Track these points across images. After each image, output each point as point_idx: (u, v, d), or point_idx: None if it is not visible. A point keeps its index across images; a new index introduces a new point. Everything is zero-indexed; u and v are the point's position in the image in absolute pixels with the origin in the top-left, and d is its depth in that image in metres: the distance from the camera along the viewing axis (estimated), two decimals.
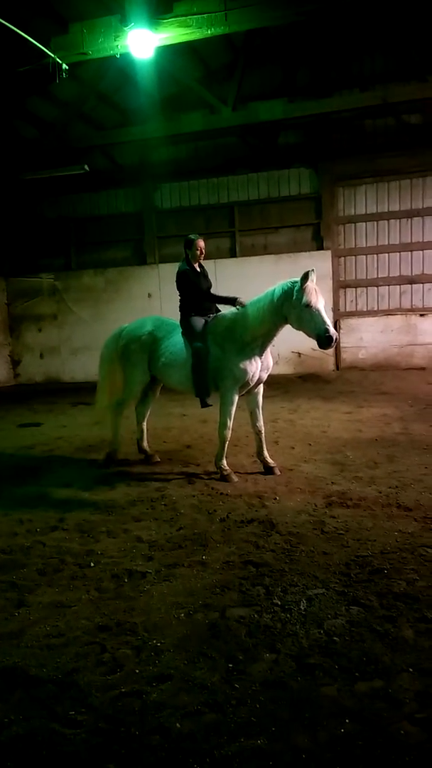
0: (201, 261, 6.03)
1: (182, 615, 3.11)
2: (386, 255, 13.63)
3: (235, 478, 5.59)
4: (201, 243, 5.93)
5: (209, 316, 5.91)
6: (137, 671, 2.64)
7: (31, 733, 2.27)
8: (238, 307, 5.69)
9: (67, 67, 8.79)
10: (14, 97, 11.82)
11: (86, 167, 12.30)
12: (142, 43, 8.38)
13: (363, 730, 2.23)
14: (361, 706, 2.36)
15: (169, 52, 10.13)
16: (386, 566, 3.57)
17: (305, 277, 5.10)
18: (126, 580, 3.57)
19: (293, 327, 5.31)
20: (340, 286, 13.91)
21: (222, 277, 13.71)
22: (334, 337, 5.05)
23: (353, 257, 13.87)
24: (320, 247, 13.92)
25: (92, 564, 3.84)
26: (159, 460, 6.38)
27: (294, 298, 5.15)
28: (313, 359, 13.68)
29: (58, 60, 8.65)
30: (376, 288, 13.82)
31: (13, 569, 3.80)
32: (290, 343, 13.78)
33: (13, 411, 10.83)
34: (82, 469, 6.28)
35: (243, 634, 2.91)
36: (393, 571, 3.52)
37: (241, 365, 5.49)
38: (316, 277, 5.23)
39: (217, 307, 6.04)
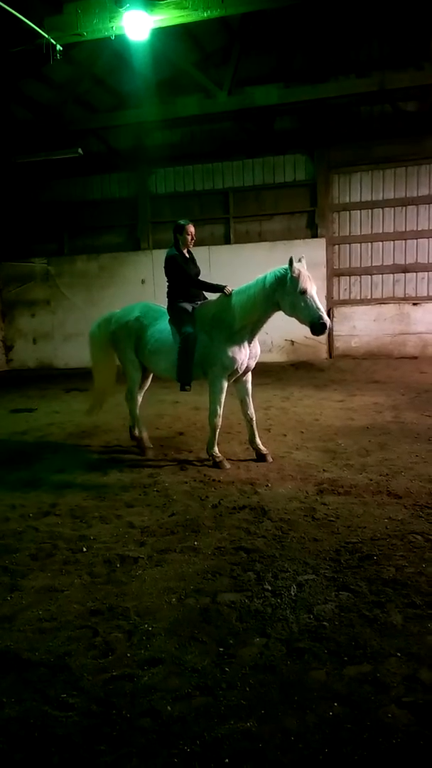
0: (190, 247, 6.00)
1: (174, 600, 3.14)
2: (380, 243, 13.61)
3: (227, 464, 5.62)
4: (191, 228, 5.91)
5: (196, 303, 5.89)
6: (129, 655, 2.67)
7: (24, 715, 2.30)
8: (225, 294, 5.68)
9: (61, 48, 8.66)
10: (8, 78, 11.65)
11: (80, 151, 12.17)
12: (137, 24, 8.27)
13: (351, 713, 2.27)
14: (350, 689, 2.40)
15: (164, 34, 10.00)
16: (376, 553, 3.61)
17: (291, 263, 5.12)
18: (118, 565, 3.60)
19: (286, 313, 5.31)
20: (334, 274, 13.89)
21: (216, 264, 13.65)
22: (328, 324, 5.07)
23: (347, 245, 13.84)
24: (315, 235, 13.87)
25: (84, 549, 3.86)
26: (151, 446, 6.39)
27: (288, 285, 5.15)
28: (306, 347, 13.70)
29: (52, 41, 8.52)
30: (369, 276, 13.81)
31: (6, 554, 3.82)
32: (283, 330, 13.77)
33: (5, 396, 10.80)
34: (75, 455, 6.28)
35: (234, 618, 2.94)
36: (382, 557, 3.56)
37: (230, 353, 5.50)
38: (308, 265, 5.23)
39: (204, 295, 6.01)
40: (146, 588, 3.29)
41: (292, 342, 13.79)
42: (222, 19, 10.03)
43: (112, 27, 8.42)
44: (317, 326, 5.06)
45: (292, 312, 5.23)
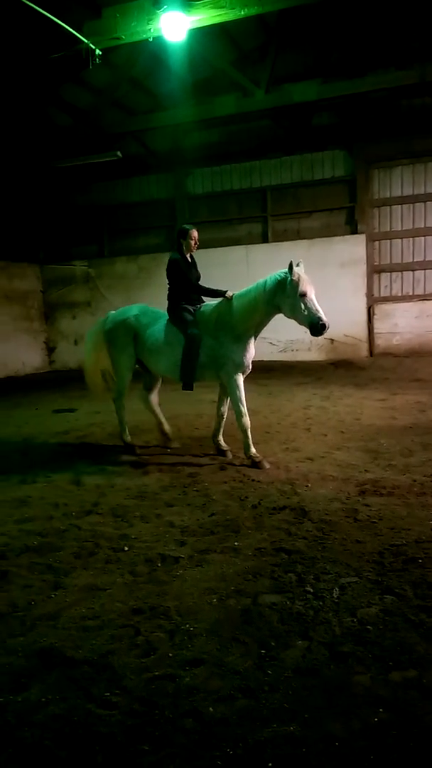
0: (193, 251, 6.12)
1: (215, 600, 3.13)
2: (422, 238, 13.34)
3: (267, 464, 5.59)
4: (195, 233, 6.04)
5: (196, 306, 6.03)
6: (170, 655, 2.67)
7: (68, 713, 2.32)
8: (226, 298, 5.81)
9: (100, 53, 8.80)
10: (48, 84, 11.88)
11: (119, 153, 12.32)
12: (174, 25, 8.32)
13: (397, 720, 2.21)
14: (395, 695, 2.35)
15: (201, 34, 10.04)
16: (421, 556, 3.53)
17: (291, 267, 5.26)
18: (159, 565, 3.61)
19: (286, 316, 5.49)
20: (374, 270, 13.67)
21: (254, 263, 13.65)
22: (327, 325, 5.23)
23: (388, 241, 13.61)
24: (354, 231, 13.69)
25: (126, 548, 3.89)
26: (177, 445, 6.47)
27: (288, 288, 5.30)
28: (346, 345, 13.53)
29: (91, 45, 8.66)
30: (411, 272, 13.54)
31: (50, 552, 3.88)
32: None
33: (48, 397, 11.02)
34: (116, 455, 6.35)
35: (275, 620, 2.91)
36: (428, 560, 3.47)
37: (239, 351, 5.68)
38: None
39: (201, 299, 6.13)
40: (187, 588, 3.29)
41: (332, 340, 13.64)
42: (259, 16, 10.00)
43: (149, 29, 8.51)
44: (317, 327, 5.23)
45: (292, 314, 5.38)
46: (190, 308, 5.95)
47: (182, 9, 8.17)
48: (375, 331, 13.51)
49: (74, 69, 10.94)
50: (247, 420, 5.75)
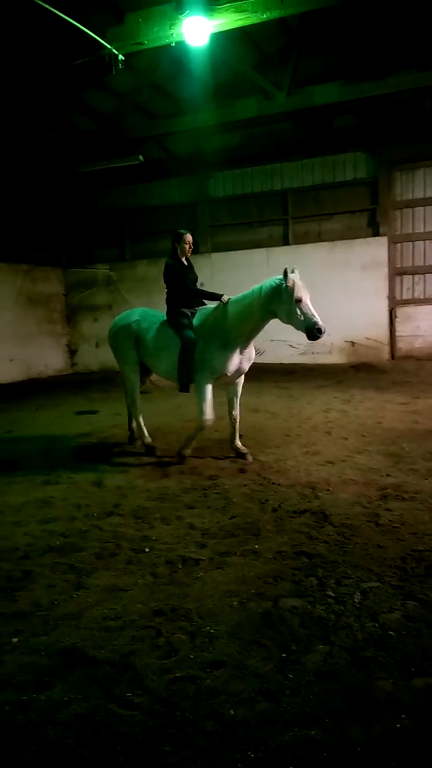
0: (188, 255, 6.26)
1: (235, 603, 3.14)
2: None
3: (183, 463, 5.86)
4: (189, 238, 6.20)
5: (194, 309, 6.12)
6: (191, 657, 2.68)
7: (91, 712, 2.35)
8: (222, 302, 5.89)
9: (123, 58, 8.88)
10: (71, 89, 12.02)
11: (141, 158, 12.41)
12: (197, 30, 8.37)
13: (420, 726, 2.20)
14: (418, 701, 2.33)
15: (222, 38, 10.08)
16: None
17: (286, 274, 5.32)
18: (180, 567, 3.63)
19: (282, 321, 5.52)
20: (396, 273, 13.55)
21: (274, 266, 13.56)
22: (324, 330, 5.26)
23: (410, 243, 13.49)
24: (376, 233, 13.59)
25: (147, 549, 3.91)
26: (155, 447, 6.50)
27: (283, 294, 5.34)
28: (367, 348, 13.44)
29: (114, 51, 8.74)
30: None
31: (72, 552, 3.92)
32: (343, 332, 13.59)
33: (70, 399, 11.12)
34: (137, 457, 6.39)
35: (296, 624, 2.91)
36: None
37: (222, 359, 5.73)
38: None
39: (202, 302, 6.20)
40: (207, 590, 3.30)
41: (353, 343, 13.56)
42: (280, 19, 10.00)
43: (172, 34, 8.56)
44: (313, 332, 5.29)
45: (288, 320, 5.43)
46: (187, 312, 6.07)
47: (205, 13, 8.21)
48: (397, 333, 13.39)
49: (97, 74, 11.04)
50: (203, 421, 5.88)
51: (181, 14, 8.26)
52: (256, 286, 5.64)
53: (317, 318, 5.29)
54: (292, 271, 5.37)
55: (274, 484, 5.19)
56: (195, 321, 6.00)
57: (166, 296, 6.22)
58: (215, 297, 5.95)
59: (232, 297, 5.85)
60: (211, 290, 6.17)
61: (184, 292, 6.09)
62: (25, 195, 15.04)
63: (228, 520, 4.38)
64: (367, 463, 5.68)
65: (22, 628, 2.99)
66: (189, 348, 5.81)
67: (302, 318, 5.30)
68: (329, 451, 6.04)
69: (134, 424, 6.73)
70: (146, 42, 8.83)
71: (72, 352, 16.59)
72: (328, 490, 4.94)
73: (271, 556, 3.70)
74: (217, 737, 2.19)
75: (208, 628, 2.91)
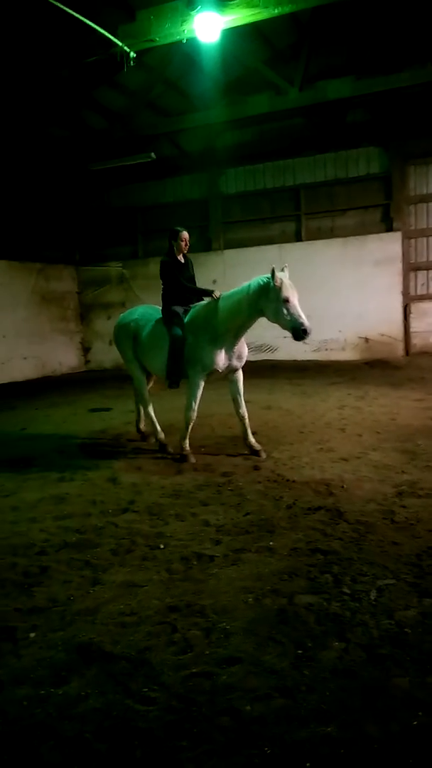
0: (185, 252, 6.29)
1: (250, 599, 3.14)
2: None
3: (192, 459, 5.87)
4: (185, 235, 6.24)
5: (189, 306, 6.16)
6: (207, 653, 2.69)
7: (107, 707, 2.36)
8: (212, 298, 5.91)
9: (134, 55, 8.88)
10: (83, 87, 12.04)
11: (153, 155, 12.42)
12: (208, 26, 8.35)
13: None
14: None
15: (233, 34, 10.04)
16: None
17: (273, 273, 5.30)
18: (195, 563, 3.64)
19: (269, 320, 5.53)
20: (410, 268, 13.45)
21: (287, 262, 13.54)
22: (309, 331, 5.22)
23: (425, 238, 13.39)
24: (389, 229, 13.50)
25: (162, 546, 3.92)
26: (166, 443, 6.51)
27: (271, 292, 5.33)
28: (382, 345, 13.35)
29: (125, 48, 8.75)
30: None
31: (88, 548, 3.95)
32: (357, 328, 13.52)
33: (84, 396, 11.18)
34: (151, 454, 6.41)
35: (312, 621, 2.91)
36: None
37: (211, 354, 5.75)
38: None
39: (200, 299, 6.22)
40: (222, 587, 3.30)
41: (367, 339, 13.49)
42: (292, 14, 9.93)
43: (183, 30, 8.56)
44: (299, 332, 5.28)
45: (275, 319, 5.43)
46: (180, 309, 6.11)
47: (216, 9, 8.19)
48: (411, 329, 13.30)
49: (109, 72, 11.07)
50: (193, 415, 5.97)
51: (192, 10, 8.25)
52: (246, 283, 5.65)
53: (304, 319, 5.27)
54: (282, 270, 5.37)
55: (288, 481, 5.18)
56: (188, 317, 6.05)
57: (161, 293, 6.28)
58: (207, 293, 6.00)
59: (224, 293, 5.88)
60: (223, 287, 6.20)
61: (178, 289, 6.14)
62: (37, 193, 15.11)
63: (242, 516, 4.38)
64: (381, 459, 5.65)
65: (39, 623, 3.02)
66: (176, 344, 5.86)
67: (288, 318, 5.29)
68: (343, 448, 6.01)
69: (142, 424, 6.79)
70: (158, 39, 8.83)
71: (85, 349, 16.67)
72: (343, 487, 4.93)
73: (285, 552, 3.70)
74: (233, 733, 2.20)
75: (223, 624, 2.92)
